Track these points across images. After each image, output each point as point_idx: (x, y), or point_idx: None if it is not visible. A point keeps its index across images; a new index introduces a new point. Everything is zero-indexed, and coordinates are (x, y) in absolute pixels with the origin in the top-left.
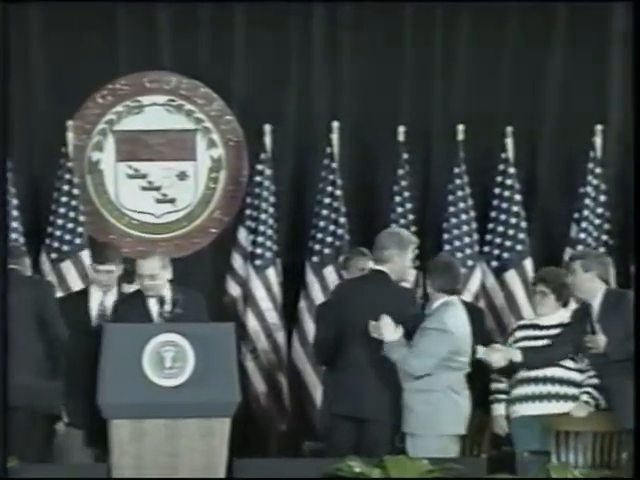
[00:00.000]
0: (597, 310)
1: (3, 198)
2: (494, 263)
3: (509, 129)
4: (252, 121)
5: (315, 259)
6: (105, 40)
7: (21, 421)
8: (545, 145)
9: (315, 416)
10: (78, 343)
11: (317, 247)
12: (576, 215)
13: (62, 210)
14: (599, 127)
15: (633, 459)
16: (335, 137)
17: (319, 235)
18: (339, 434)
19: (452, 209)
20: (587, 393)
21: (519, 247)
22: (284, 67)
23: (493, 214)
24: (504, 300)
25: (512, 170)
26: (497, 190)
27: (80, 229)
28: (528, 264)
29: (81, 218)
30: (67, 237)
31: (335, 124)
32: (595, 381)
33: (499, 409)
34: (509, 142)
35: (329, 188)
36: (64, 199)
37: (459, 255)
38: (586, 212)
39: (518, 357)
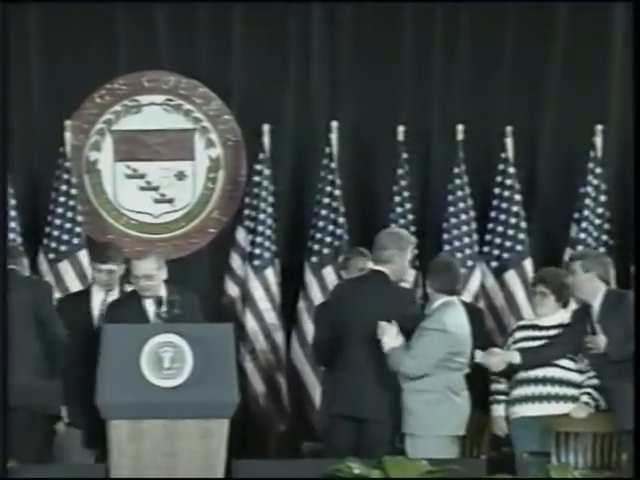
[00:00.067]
0: (597, 310)
1: (3, 198)
2: (494, 263)
3: (509, 129)
4: (251, 121)
5: (314, 259)
6: (103, 40)
7: (20, 421)
8: (545, 145)
9: (314, 416)
10: (80, 343)
11: (316, 247)
12: (576, 215)
13: (60, 210)
14: (599, 127)
15: (633, 460)
16: (334, 137)
17: (318, 235)
18: (338, 434)
19: (452, 209)
20: (587, 394)
21: (519, 247)
22: (283, 67)
23: (493, 214)
24: (504, 300)
25: (512, 170)
26: (497, 190)
27: (78, 229)
28: (528, 264)
29: (79, 218)
30: (65, 237)
31: (334, 124)
32: (595, 382)
33: (499, 410)
34: (509, 142)
35: (328, 188)
36: (62, 199)
37: (459, 255)
38: (586, 212)
39: (517, 359)
